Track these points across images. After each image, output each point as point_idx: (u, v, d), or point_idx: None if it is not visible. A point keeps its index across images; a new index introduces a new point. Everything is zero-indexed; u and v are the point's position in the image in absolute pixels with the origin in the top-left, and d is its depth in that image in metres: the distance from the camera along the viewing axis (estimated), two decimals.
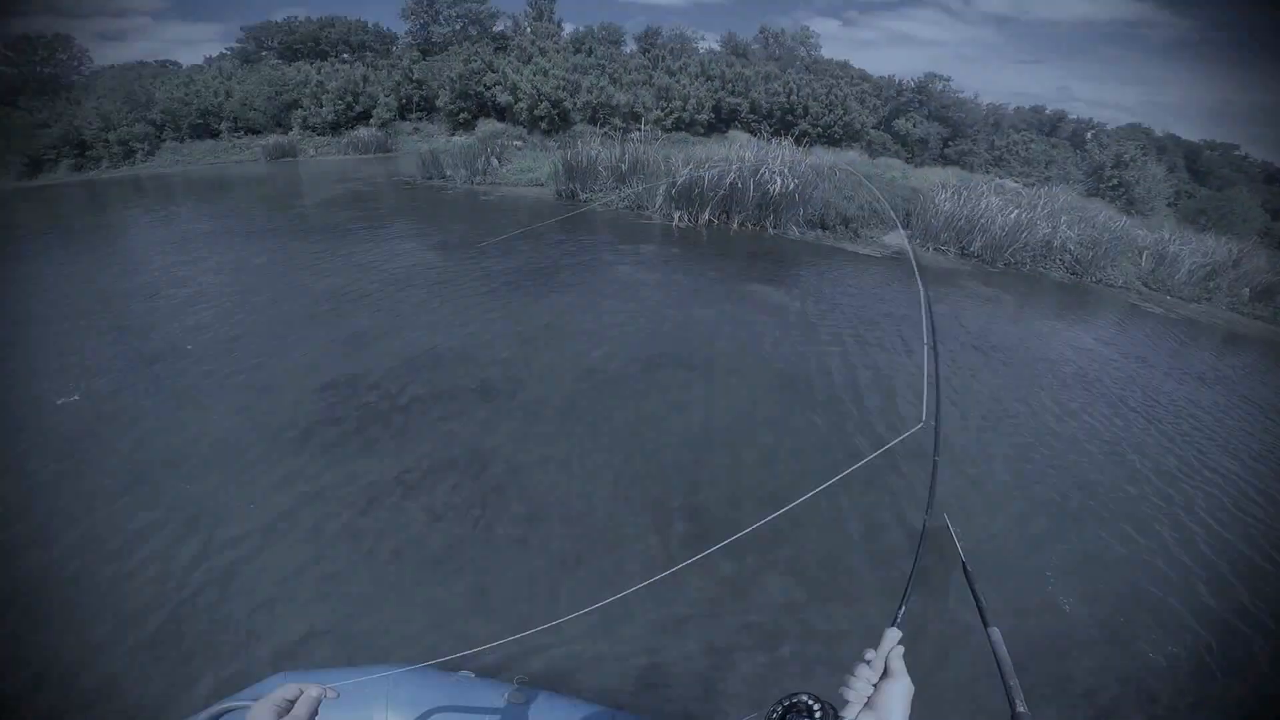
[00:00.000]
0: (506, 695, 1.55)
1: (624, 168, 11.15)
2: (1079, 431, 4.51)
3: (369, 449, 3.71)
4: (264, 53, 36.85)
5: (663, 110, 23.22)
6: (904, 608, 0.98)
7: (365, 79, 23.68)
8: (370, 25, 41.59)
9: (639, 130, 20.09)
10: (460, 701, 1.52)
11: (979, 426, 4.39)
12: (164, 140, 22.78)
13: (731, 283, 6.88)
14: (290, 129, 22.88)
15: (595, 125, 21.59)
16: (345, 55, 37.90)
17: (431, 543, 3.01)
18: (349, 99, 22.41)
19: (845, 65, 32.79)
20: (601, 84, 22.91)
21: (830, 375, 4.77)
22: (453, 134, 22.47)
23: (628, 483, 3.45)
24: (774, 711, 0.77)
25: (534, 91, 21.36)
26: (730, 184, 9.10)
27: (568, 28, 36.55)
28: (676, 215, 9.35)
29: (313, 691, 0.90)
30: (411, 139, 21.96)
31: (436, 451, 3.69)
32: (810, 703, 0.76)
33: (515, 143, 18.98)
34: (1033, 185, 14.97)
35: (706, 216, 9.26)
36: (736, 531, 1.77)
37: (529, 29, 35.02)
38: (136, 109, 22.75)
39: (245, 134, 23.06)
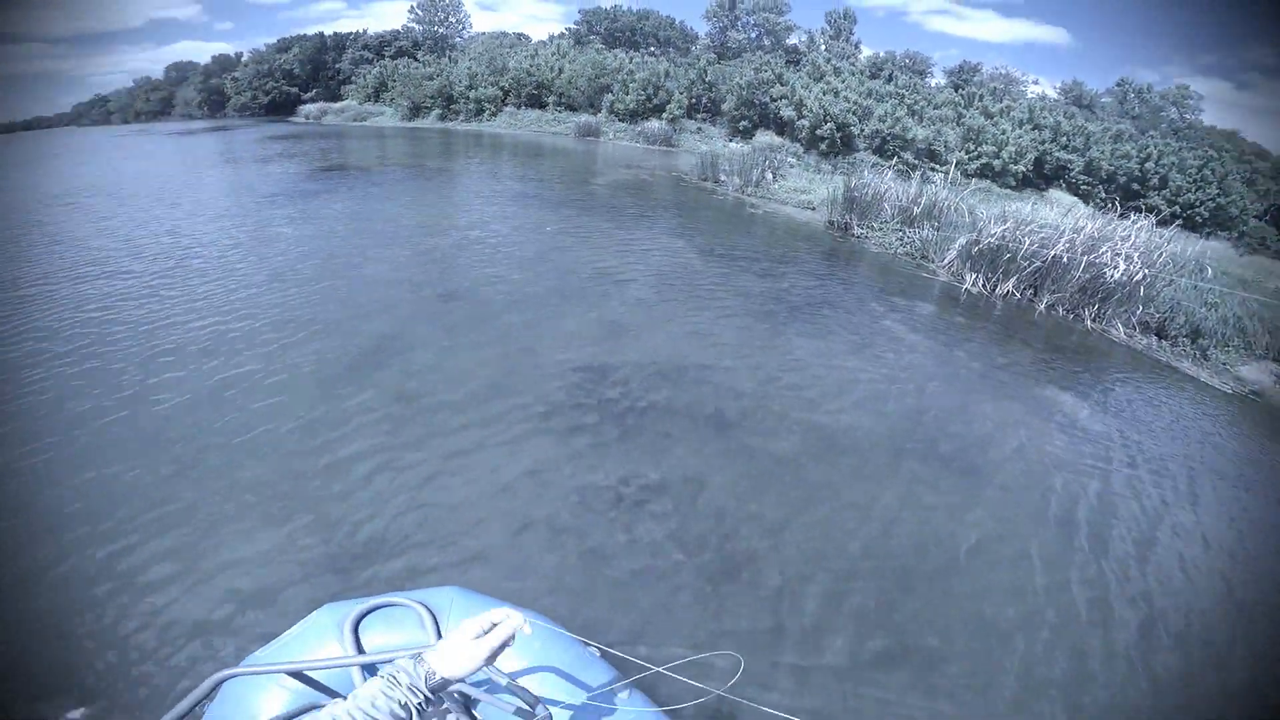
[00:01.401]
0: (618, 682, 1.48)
1: (916, 210, 10.09)
2: None
3: (600, 449, 3.78)
4: (592, 36, 42.09)
5: (967, 153, 20.77)
6: None
7: (666, 74, 25.46)
8: (678, 23, 44.77)
9: (933, 169, 18.28)
10: (578, 668, 1.47)
11: None
12: (506, 104, 27.45)
13: (1022, 376, 5.70)
14: (599, 111, 25.77)
15: (881, 157, 20.21)
16: (653, 48, 41.40)
17: (622, 563, 2.94)
18: (650, 90, 24.32)
19: (1233, 136, 25.75)
20: (898, 114, 21.32)
21: (1113, 534, 3.58)
22: (730, 139, 23.07)
23: (831, 579, 2.95)
24: None
25: (820, 110, 20.74)
26: (1053, 257, 7.59)
27: (866, 50, 34.96)
28: (970, 278, 8.13)
29: (515, 620, 0.96)
30: (694, 138, 23.07)
31: (656, 471, 3.61)
32: None
33: (790, 159, 18.67)
34: None
35: (1009, 288, 7.90)
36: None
37: (823, 46, 34.31)
38: (494, 74, 27.78)
39: (565, 109, 26.67)
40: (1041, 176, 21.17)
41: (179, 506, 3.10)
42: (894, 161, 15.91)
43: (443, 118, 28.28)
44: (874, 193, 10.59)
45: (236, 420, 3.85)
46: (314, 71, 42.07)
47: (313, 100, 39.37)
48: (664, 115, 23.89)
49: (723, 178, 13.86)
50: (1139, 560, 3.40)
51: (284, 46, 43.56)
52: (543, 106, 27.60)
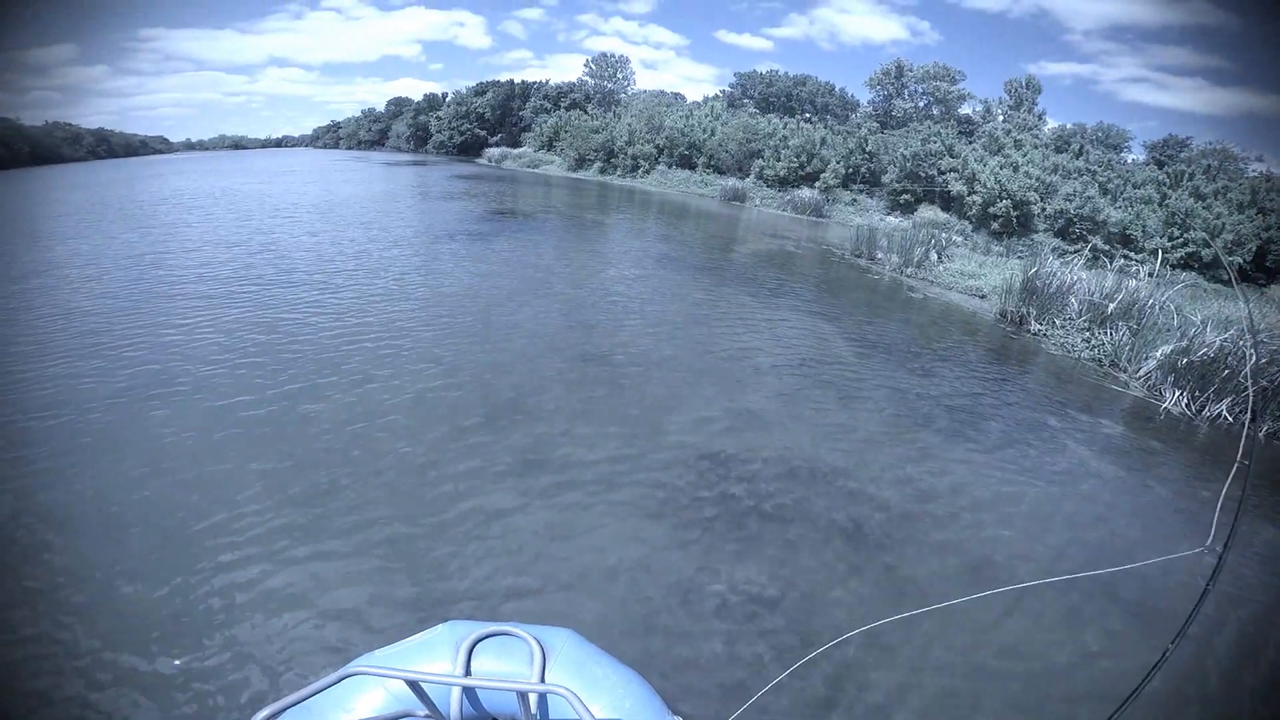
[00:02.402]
0: None
1: (1109, 307, 8.68)
2: None
3: (714, 546, 3.54)
4: (746, 100, 43.09)
5: (1170, 239, 17.97)
6: None
7: (823, 141, 25.16)
8: (837, 90, 44.37)
9: (1128, 258, 15.96)
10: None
11: None
12: (659, 162, 28.83)
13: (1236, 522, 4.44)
14: (748, 175, 26.07)
15: (1064, 240, 18.10)
16: (809, 114, 41.36)
17: (714, 676, 2.67)
18: (803, 158, 24.15)
19: None
20: (1088, 193, 19.05)
21: None
22: (889, 213, 22.06)
23: None
24: None
25: (995, 186, 19.12)
26: None
27: (1051, 122, 31.93)
28: (1172, 395, 6.74)
29: None
30: (847, 210, 22.37)
31: (772, 582, 3.28)
32: None
33: (956, 238, 17.33)
34: None
35: (1222, 410, 6.41)
36: None
37: (1001, 117, 31.86)
38: (651, 132, 29.45)
39: (713, 172, 27.37)
40: (1263, 269, 17.55)
41: (297, 524, 3.33)
42: (1080, 247, 14.07)
43: (602, 171, 30.30)
44: (1059, 284, 9.34)
45: (370, 452, 4.21)
46: (501, 117, 47.59)
47: (497, 144, 44.40)
48: (817, 184, 23.47)
49: (879, 255, 13.15)
50: None
51: (480, 90, 49.80)
52: (692, 167, 28.53)
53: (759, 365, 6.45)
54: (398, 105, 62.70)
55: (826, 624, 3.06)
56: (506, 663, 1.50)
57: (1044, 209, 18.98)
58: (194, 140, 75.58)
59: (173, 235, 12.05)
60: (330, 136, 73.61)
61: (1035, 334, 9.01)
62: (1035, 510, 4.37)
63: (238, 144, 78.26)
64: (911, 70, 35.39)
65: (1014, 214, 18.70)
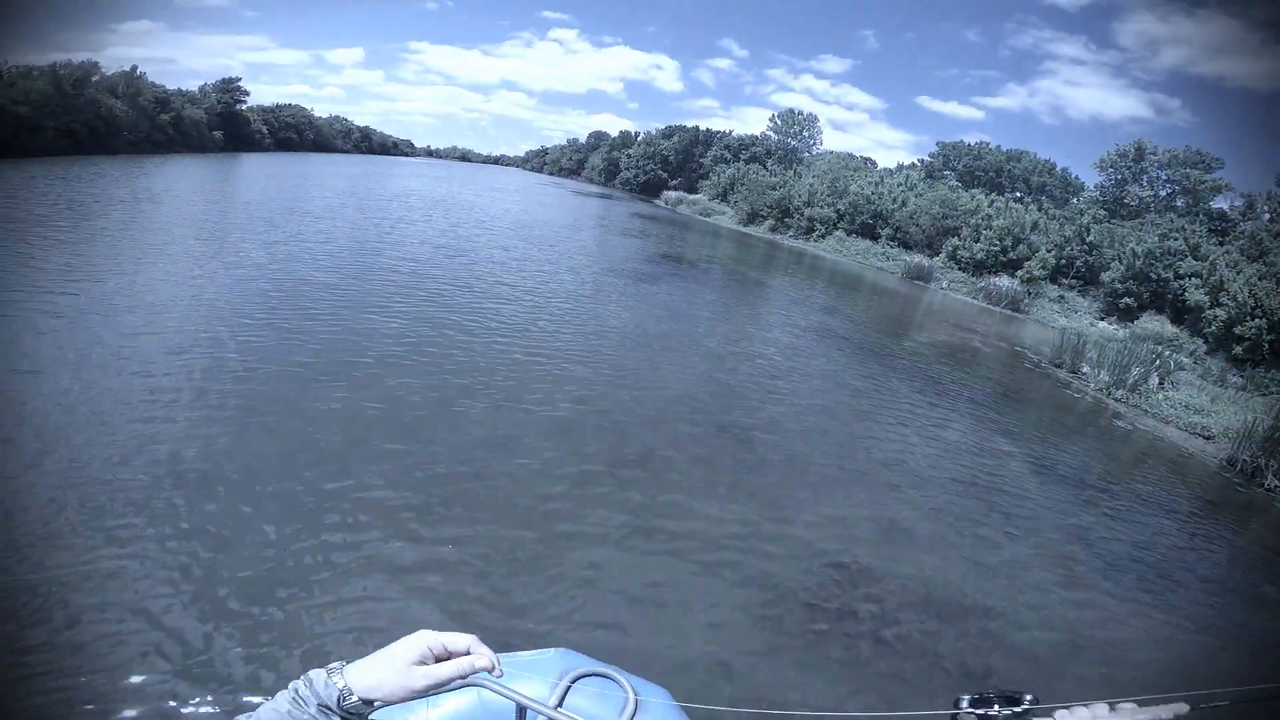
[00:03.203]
0: None
1: None
2: None
3: (818, 666, 3.22)
4: (946, 171, 40.18)
5: None
6: None
7: (1034, 225, 22.55)
8: (1059, 169, 39.51)
9: None
10: None
11: None
12: (838, 227, 27.92)
13: None
14: (938, 254, 24.00)
15: None
16: (1020, 194, 37.34)
17: None
18: (1007, 241, 21.81)
19: None
20: None
21: None
22: (1102, 317, 18.99)
23: None
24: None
25: (1249, 301, 15.47)
26: None
27: None
28: None
29: (481, 661, 0.77)
30: (1051, 307, 19.61)
31: None
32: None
33: (1185, 359, 14.39)
34: None
35: None
36: None
37: (1269, 215, 25.58)
38: (833, 195, 28.77)
39: (898, 245, 25.67)
40: None
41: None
42: None
43: (774, 229, 30.10)
44: None
45: (496, 468, 4.48)
46: (683, 161, 50.04)
47: (675, 188, 46.66)
48: (1019, 273, 20.88)
49: (1085, 368, 11.36)
50: None
51: (668, 134, 52.91)
52: (874, 238, 26.99)
53: (917, 473, 5.85)
54: (596, 139, 68.86)
55: None
56: (598, 703, 1.50)
57: None
58: (433, 148, 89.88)
59: (394, 230, 14.47)
60: (537, 160, 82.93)
61: (1271, 490, 7.37)
62: None
63: (465, 156, 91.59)
64: (1155, 154, 30.38)
65: (1268, 337, 14.97)
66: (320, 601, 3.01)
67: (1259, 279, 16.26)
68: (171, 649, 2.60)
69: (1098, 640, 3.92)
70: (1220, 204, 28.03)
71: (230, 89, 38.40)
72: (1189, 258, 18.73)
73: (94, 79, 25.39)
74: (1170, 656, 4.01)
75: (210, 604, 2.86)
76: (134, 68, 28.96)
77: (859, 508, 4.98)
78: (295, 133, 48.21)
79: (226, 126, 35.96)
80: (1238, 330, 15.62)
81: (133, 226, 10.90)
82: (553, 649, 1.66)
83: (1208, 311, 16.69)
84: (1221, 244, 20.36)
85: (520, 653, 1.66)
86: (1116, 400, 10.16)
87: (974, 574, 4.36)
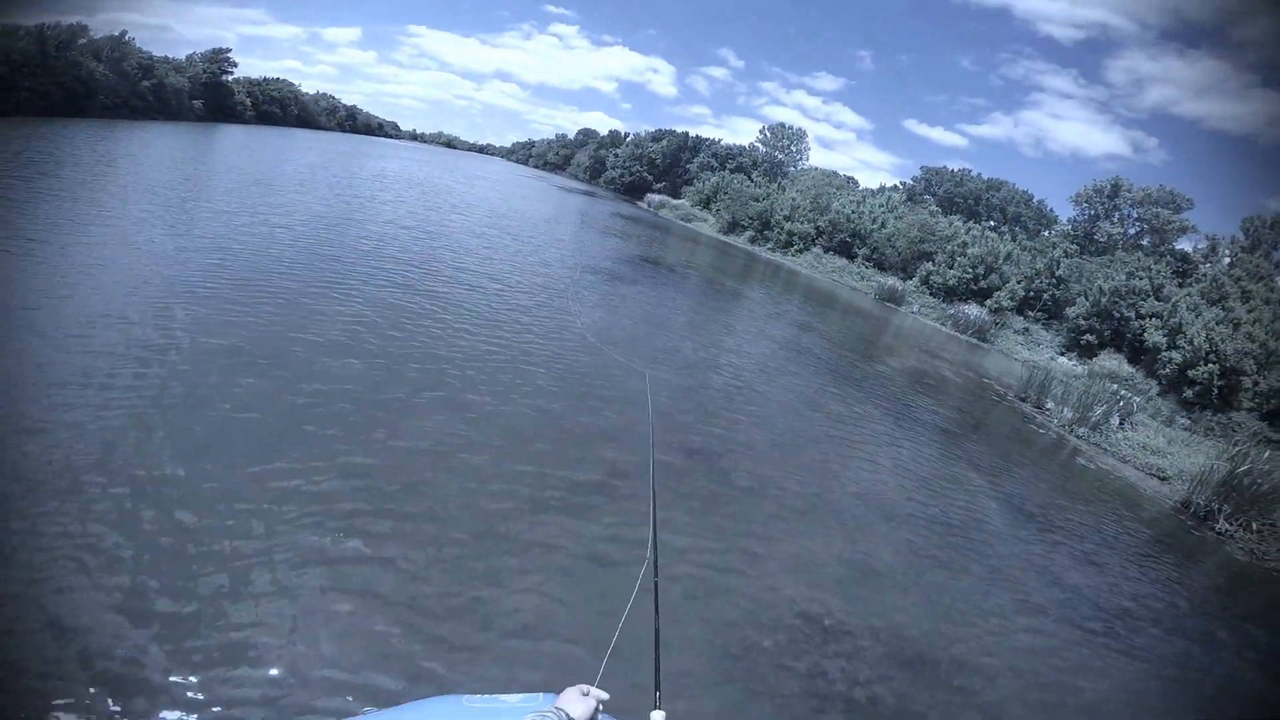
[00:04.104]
0: None
1: None
2: None
3: None
4: (927, 195, 40.93)
5: None
6: (659, 692, 1.32)
7: (1007, 255, 23.04)
8: (1035, 201, 40.68)
9: None
10: None
11: None
12: (815, 243, 28.07)
13: None
14: (911, 277, 24.35)
15: (1273, 426, 14.66)
16: (995, 222, 38.27)
17: None
18: (980, 269, 22.22)
19: None
20: None
21: None
22: (1063, 352, 19.45)
23: None
24: None
25: (1204, 346, 15.99)
26: None
27: None
28: None
29: (602, 694, 1.22)
30: (1014, 338, 20.02)
31: None
32: None
33: (1136, 399, 14.72)
34: None
35: None
36: None
37: (1229, 259, 26.54)
38: (814, 211, 28.95)
39: (873, 266, 25.97)
40: None
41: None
42: None
43: (753, 240, 30.08)
44: (1272, 484, 7.84)
45: (443, 481, 3.92)
46: (669, 166, 49.92)
47: (659, 191, 46.44)
48: (988, 302, 21.32)
49: (1050, 405, 11.50)
50: None
51: (657, 137, 52.72)
52: (851, 257, 27.22)
53: (891, 509, 5.70)
54: (585, 136, 68.19)
55: None
56: None
57: (1257, 383, 15.50)
58: (418, 132, 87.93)
59: (363, 209, 13.87)
60: (523, 153, 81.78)
61: (1222, 534, 7.69)
62: None
63: (450, 143, 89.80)
64: (1130, 191, 31.35)
65: (1218, 383, 15.48)
66: (244, 594, 2.73)
67: (1215, 324, 16.80)
68: (85, 649, 2.20)
69: (1064, 687, 3.81)
70: (1184, 245, 28.99)
71: (218, 59, 37.12)
72: (1152, 298, 19.31)
73: (80, 42, 24.21)
74: (1139, 711, 3.93)
75: (116, 598, 2.46)
76: (122, 33, 27.69)
77: (832, 548, 4.76)
78: (279, 107, 46.54)
79: (208, 96, 34.79)
80: (1191, 374, 16.10)
81: (81, 190, 10.11)
82: (540, 693, 1.49)
83: (1164, 354, 17.18)
84: (1182, 285, 21.05)
85: (506, 695, 1.49)
86: (1078, 438, 10.30)
87: (952, 624, 4.21)
